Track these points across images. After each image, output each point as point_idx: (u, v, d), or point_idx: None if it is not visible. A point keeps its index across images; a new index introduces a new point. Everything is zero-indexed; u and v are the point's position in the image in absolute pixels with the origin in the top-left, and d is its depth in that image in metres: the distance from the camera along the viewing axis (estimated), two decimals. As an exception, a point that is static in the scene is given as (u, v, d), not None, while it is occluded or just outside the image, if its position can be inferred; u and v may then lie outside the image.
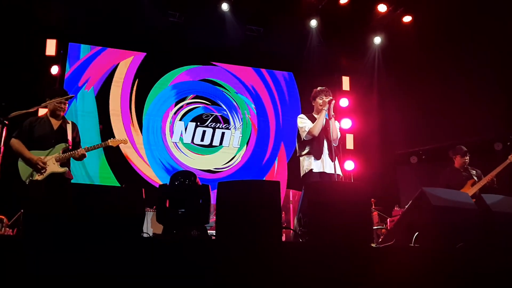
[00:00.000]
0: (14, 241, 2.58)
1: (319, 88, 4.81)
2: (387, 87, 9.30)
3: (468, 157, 5.99)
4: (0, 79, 7.08)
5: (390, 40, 8.97)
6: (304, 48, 8.97)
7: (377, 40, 9.04)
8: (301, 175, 4.66)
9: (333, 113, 4.57)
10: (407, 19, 8.40)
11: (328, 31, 8.81)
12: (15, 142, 4.33)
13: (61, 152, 4.43)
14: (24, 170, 4.29)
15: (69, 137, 4.56)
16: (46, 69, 7.75)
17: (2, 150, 3.96)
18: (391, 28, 8.66)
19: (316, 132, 4.56)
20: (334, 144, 4.59)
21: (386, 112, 9.60)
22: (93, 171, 7.84)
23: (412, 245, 2.95)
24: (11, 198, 4.72)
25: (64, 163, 4.43)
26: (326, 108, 4.56)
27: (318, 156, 4.53)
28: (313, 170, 4.50)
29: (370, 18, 8.54)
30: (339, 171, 4.52)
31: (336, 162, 4.53)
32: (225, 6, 8.09)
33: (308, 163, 4.58)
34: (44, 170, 4.28)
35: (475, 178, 5.81)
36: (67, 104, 4.67)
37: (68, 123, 4.64)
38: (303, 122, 4.71)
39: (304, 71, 9.53)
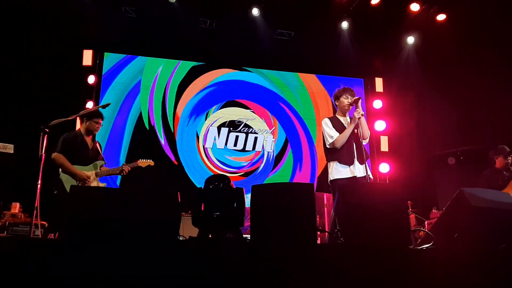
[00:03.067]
0: (57, 244, 2.67)
1: (342, 87, 4.65)
2: (421, 88, 9.12)
3: (510, 159, 5.78)
4: (40, 88, 7.35)
5: (424, 39, 8.80)
6: (336, 50, 8.90)
7: (410, 40, 8.88)
8: (329, 180, 4.48)
9: (362, 112, 4.41)
10: (441, 17, 8.22)
11: (360, 32, 8.72)
12: (60, 157, 4.60)
13: (99, 168, 4.79)
14: (69, 183, 4.53)
15: (101, 155, 4.99)
16: (83, 79, 8.01)
17: (43, 157, 4.14)
18: (425, 27, 8.48)
19: (340, 145, 4.39)
20: (365, 143, 4.47)
21: (421, 113, 9.40)
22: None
23: (452, 247, 2.87)
24: (53, 205, 4.91)
25: (101, 179, 4.80)
26: (356, 116, 4.40)
27: (349, 162, 4.36)
28: (342, 177, 4.34)
29: (403, 17, 8.40)
30: (369, 173, 4.40)
31: (366, 164, 4.39)
32: (255, 11, 8.13)
33: (336, 171, 4.39)
34: (89, 184, 4.59)
35: None
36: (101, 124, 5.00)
37: (97, 142, 5.02)
38: (327, 129, 4.52)
39: (336, 73, 9.48)
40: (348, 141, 4.41)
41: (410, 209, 6.83)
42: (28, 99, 7.25)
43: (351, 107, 4.55)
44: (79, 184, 4.53)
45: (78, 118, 4.94)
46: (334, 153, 4.45)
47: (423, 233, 6.05)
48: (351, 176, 4.32)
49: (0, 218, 5.82)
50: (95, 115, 4.84)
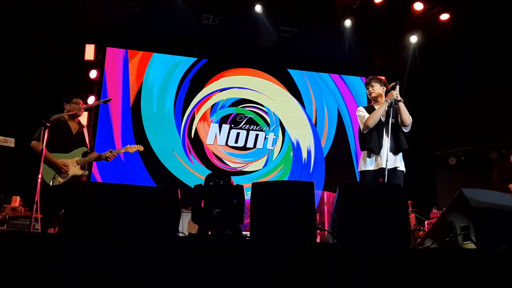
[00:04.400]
0: (55, 239, 2.68)
1: (368, 78, 4.52)
2: (423, 87, 9.10)
3: None
4: (41, 83, 7.35)
5: (427, 38, 8.77)
6: (339, 48, 8.89)
7: (414, 39, 8.85)
8: (358, 171, 4.34)
9: (400, 98, 4.16)
10: (444, 17, 8.19)
11: (363, 31, 8.70)
12: (36, 144, 4.42)
13: (81, 155, 4.59)
14: (47, 172, 4.38)
15: (87, 141, 4.74)
16: (85, 73, 8.01)
17: (44, 151, 4.11)
18: (428, 26, 8.46)
19: (372, 123, 4.18)
20: (406, 130, 4.28)
21: (423, 112, 9.39)
22: (132, 172, 8.01)
23: (451, 247, 2.87)
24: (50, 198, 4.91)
25: (84, 166, 4.61)
26: (391, 98, 4.16)
27: (376, 152, 4.16)
28: (368, 169, 4.18)
29: (406, 16, 8.37)
30: (402, 166, 4.21)
31: (400, 155, 4.22)
32: (258, 8, 8.12)
33: (364, 162, 4.24)
34: (66, 173, 4.43)
35: None
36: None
37: (84, 127, 4.80)
38: (360, 114, 4.36)
39: (339, 71, 9.48)
40: (377, 129, 4.22)
41: (410, 209, 6.83)
42: (29, 94, 7.24)
43: (377, 94, 4.39)
44: (56, 173, 4.37)
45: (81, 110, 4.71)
46: (364, 142, 4.29)
47: (422, 233, 6.06)
48: (376, 168, 4.16)
49: (0, 211, 5.83)
50: (72, 96, 4.66)
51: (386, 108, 4.21)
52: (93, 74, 8.03)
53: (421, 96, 9.18)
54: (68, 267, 2.30)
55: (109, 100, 4.85)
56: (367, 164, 4.21)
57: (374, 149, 4.18)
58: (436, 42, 8.58)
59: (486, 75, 8.22)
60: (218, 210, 3.24)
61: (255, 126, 8.88)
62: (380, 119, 4.26)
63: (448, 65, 8.62)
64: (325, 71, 9.52)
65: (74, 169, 4.49)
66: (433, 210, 7.19)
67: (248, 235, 3.28)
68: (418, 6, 8.07)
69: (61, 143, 4.52)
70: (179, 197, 3.16)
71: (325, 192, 7.16)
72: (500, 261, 2.71)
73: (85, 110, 6.57)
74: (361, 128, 4.33)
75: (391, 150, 4.11)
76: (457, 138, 8.81)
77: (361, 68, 9.44)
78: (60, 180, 4.40)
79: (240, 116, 8.84)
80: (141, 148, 5.00)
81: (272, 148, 8.89)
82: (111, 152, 4.70)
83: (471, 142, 8.59)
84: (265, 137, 8.88)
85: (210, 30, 8.47)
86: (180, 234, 3.13)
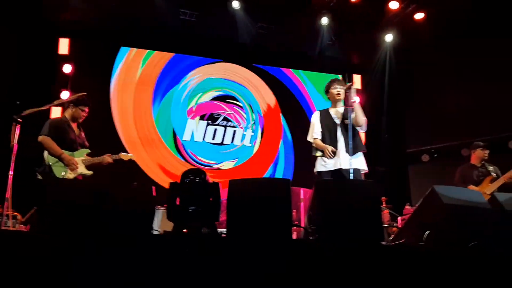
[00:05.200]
0: (28, 237, 2.62)
1: (330, 80, 4.64)
2: (398, 85, 9.24)
3: (486, 152, 5.89)
4: (14, 78, 7.16)
5: (402, 37, 8.89)
6: (315, 46, 8.94)
7: (389, 37, 8.96)
8: (315, 172, 4.45)
9: (354, 99, 4.28)
10: (419, 16, 8.31)
11: (340, 28, 8.77)
12: (48, 139, 4.45)
13: (84, 155, 4.66)
14: (57, 166, 4.43)
15: (86, 143, 4.86)
16: (58, 68, 7.83)
17: (15, 148, 4.04)
18: (403, 25, 8.57)
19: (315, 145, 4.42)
20: (361, 130, 4.41)
21: (398, 110, 9.55)
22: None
23: (423, 243, 2.93)
24: (25, 196, 4.82)
25: (89, 166, 4.63)
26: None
27: (333, 154, 4.26)
28: (324, 170, 4.29)
29: (382, 15, 8.47)
30: (359, 165, 4.28)
31: (357, 156, 4.30)
32: (236, 4, 8.08)
33: (319, 164, 4.37)
34: (75, 171, 4.49)
35: (494, 174, 5.69)
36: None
37: (81, 130, 4.88)
38: (312, 124, 4.54)
39: (315, 68, 9.53)
40: (330, 132, 4.37)
41: (384, 205, 6.93)
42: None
43: (342, 96, 4.48)
44: (67, 169, 4.43)
45: (60, 107, 4.73)
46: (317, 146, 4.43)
47: (396, 229, 6.17)
48: (334, 168, 4.24)
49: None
50: (82, 102, 4.73)
51: (342, 110, 4.41)
52: (67, 68, 7.86)
53: (395, 94, 9.33)
54: (37, 264, 2.25)
55: (83, 95, 4.76)
56: (324, 165, 4.32)
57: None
58: (411, 41, 8.71)
59: (460, 74, 8.39)
60: (193, 207, 3.22)
61: (232, 123, 8.86)
62: (335, 121, 4.41)
63: (423, 64, 8.76)
64: (301, 68, 9.56)
65: (82, 168, 4.57)
66: (406, 207, 7.30)
67: (224, 232, 3.28)
68: (394, 5, 8.17)
69: (69, 141, 4.59)
70: (154, 194, 3.14)
71: (302, 188, 7.18)
72: (471, 256, 2.79)
73: (59, 105, 6.46)
74: (308, 137, 4.52)
75: (347, 151, 4.22)
76: (430, 135, 8.98)
77: (337, 66, 9.50)
78: (69, 175, 4.46)
79: (218, 112, 8.81)
80: (133, 157, 5.01)
81: (250, 145, 8.89)
82: (110, 156, 4.74)
83: (444, 140, 8.77)
84: (243, 134, 8.88)
85: (187, 25, 8.40)
86: (155, 232, 3.10)
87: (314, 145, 4.47)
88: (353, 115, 4.26)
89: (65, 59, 7.88)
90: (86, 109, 4.78)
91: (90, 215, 2.69)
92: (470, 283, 2.65)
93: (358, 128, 4.38)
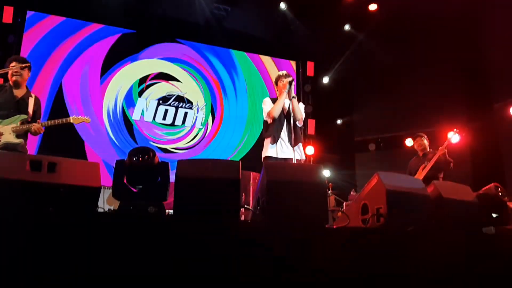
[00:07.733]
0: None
1: (279, 73, 4.81)
2: (350, 74, 9.44)
3: (422, 141, 6.17)
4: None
5: (357, 28, 9.07)
6: (272, 30, 8.94)
7: (345, 27, 9.10)
8: (262, 157, 4.62)
9: (294, 94, 4.52)
10: (372, 7, 8.50)
11: (296, 15, 8.82)
12: None
13: (19, 123, 4.29)
14: None
15: (30, 109, 4.42)
16: (2, 37, 7.42)
17: None
18: (358, 16, 8.74)
19: (275, 113, 4.52)
20: (299, 125, 4.59)
21: (348, 99, 9.78)
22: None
23: (365, 226, 3.04)
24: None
25: (21, 135, 4.29)
26: (286, 90, 4.52)
27: (273, 141, 4.49)
28: (271, 155, 4.46)
29: (338, 5, 8.59)
30: (300, 156, 4.51)
31: (299, 147, 4.53)
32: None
33: (265, 149, 4.55)
34: None
35: (426, 162, 5.98)
36: (28, 73, 4.49)
37: (31, 96, 4.49)
38: (265, 105, 4.68)
39: (270, 53, 9.55)
40: (279, 119, 4.54)
41: (330, 191, 7.11)
42: None
43: (285, 89, 4.61)
44: None
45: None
46: (267, 130, 4.61)
47: (340, 214, 6.35)
48: (278, 157, 4.43)
49: None
50: (12, 60, 4.37)
51: (286, 102, 4.55)
52: (10, 38, 7.45)
53: (347, 85, 9.54)
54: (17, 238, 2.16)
55: (26, 65, 4.44)
56: (271, 151, 4.50)
57: (275, 138, 4.49)
58: (365, 31, 8.91)
59: (409, 68, 8.68)
60: (140, 186, 3.16)
61: (184, 104, 8.75)
62: (282, 112, 4.57)
63: (376, 55, 8.99)
64: (256, 52, 9.55)
65: (8, 136, 4.20)
66: (352, 193, 7.53)
67: (171, 213, 3.25)
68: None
69: (1, 109, 4.25)
70: (99, 171, 3.05)
71: (252, 172, 7.23)
72: (408, 239, 2.93)
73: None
74: (264, 116, 4.64)
75: (289, 142, 4.45)
76: (377, 125, 9.27)
77: (293, 52, 9.57)
78: None
79: (169, 92, 8.66)
80: (88, 120, 4.65)
81: (201, 126, 8.83)
82: (48, 122, 4.38)
83: (390, 130, 9.08)
84: (195, 116, 8.80)
85: (139, 2, 8.16)
86: (100, 210, 3.03)
87: (271, 111, 4.54)
88: (292, 110, 4.45)
89: (9, 28, 7.47)
90: (12, 64, 4.33)
91: (31, 190, 2.57)
92: (407, 264, 2.80)
93: (297, 123, 4.57)
